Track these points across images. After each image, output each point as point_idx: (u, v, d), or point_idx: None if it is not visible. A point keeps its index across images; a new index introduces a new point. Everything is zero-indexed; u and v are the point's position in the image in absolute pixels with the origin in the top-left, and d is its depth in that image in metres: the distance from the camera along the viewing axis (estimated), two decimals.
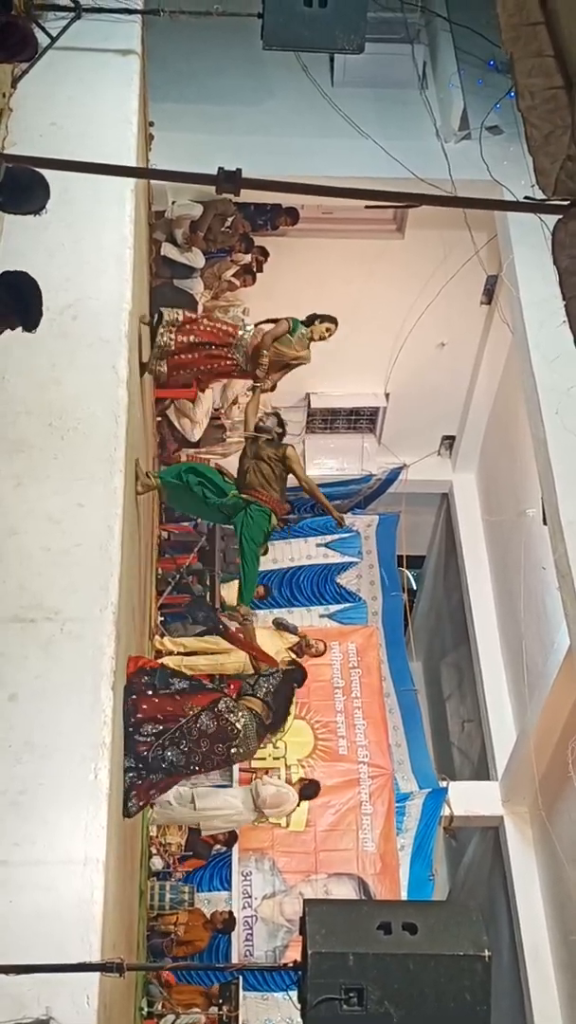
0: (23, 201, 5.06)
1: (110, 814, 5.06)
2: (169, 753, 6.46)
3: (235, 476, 8.20)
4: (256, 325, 8.68)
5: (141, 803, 6.43)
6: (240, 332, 8.56)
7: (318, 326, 8.61)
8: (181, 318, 8.40)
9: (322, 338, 8.71)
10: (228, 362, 8.61)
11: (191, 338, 8.39)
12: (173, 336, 8.27)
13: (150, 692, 6.58)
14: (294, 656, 9.74)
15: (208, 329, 8.53)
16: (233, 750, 6.67)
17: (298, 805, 9.93)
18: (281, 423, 8.40)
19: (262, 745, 7.58)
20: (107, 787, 5.07)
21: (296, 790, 9.64)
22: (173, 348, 8.27)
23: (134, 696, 6.47)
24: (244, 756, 6.88)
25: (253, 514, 7.84)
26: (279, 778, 10.46)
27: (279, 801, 9.45)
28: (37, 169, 5.01)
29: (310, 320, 8.64)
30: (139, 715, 6.43)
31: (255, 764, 10.46)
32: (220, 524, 8.89)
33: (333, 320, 8.69)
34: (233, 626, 9.01)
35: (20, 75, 7.46)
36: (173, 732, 6.47)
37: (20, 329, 4.92)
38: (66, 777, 5.03)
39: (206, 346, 8.48)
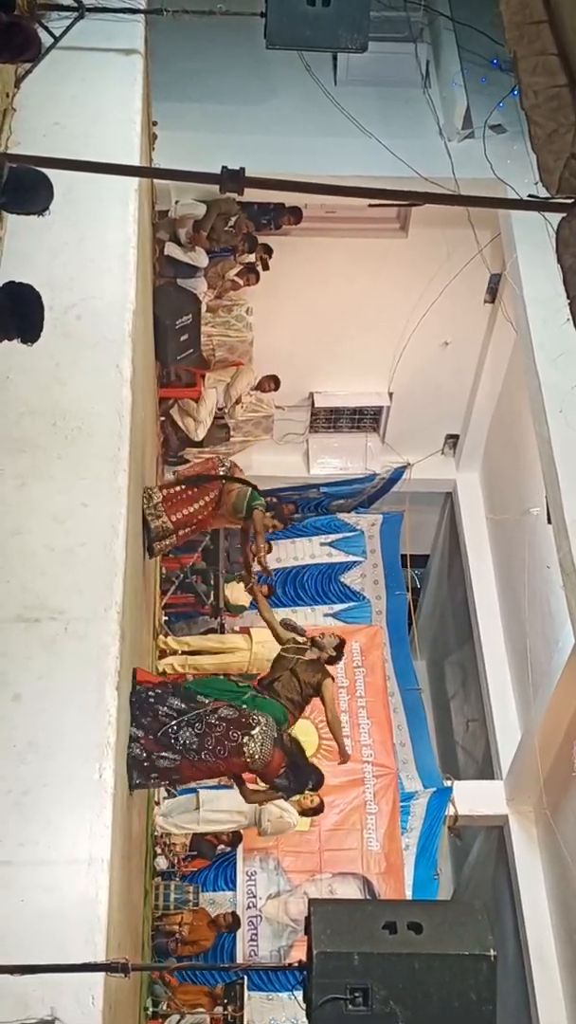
0: (27, 201, 5.06)
1: (115, 814, 5.05)
2: (185, 733, 6.43)
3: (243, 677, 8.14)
4: (233, 464, 8.59)
5: (139, 780, 6.42)
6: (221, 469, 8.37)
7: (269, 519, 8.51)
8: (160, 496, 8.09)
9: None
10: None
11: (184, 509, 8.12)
12: (163, 515, 8.00)
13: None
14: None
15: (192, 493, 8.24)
16: (247, 738, 6.54)
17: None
18: (339, 649, 7.78)
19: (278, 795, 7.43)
20: (111, 787, 5.07)
21: (298, 810, 9.61)
22: (171, 527, 8.02)
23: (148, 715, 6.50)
24: (256, 757, 6.61)
25: (269, 704, 7.24)
26: None
27: (280, 828, 9.44)
28: (41, 169, 5.01)
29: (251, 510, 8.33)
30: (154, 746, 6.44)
31: None
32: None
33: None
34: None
35: (23, 75, 7.45)
36: (193, 714, 6.48)
37: (17, 341, 4.93)
38: (70, 777, 5.03)
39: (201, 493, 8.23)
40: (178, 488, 8.16)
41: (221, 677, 8.57)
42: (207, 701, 6.70)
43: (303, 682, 7.41)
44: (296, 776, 6.90)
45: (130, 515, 6.16)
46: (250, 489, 8.25)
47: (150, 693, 6.46)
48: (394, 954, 3.78)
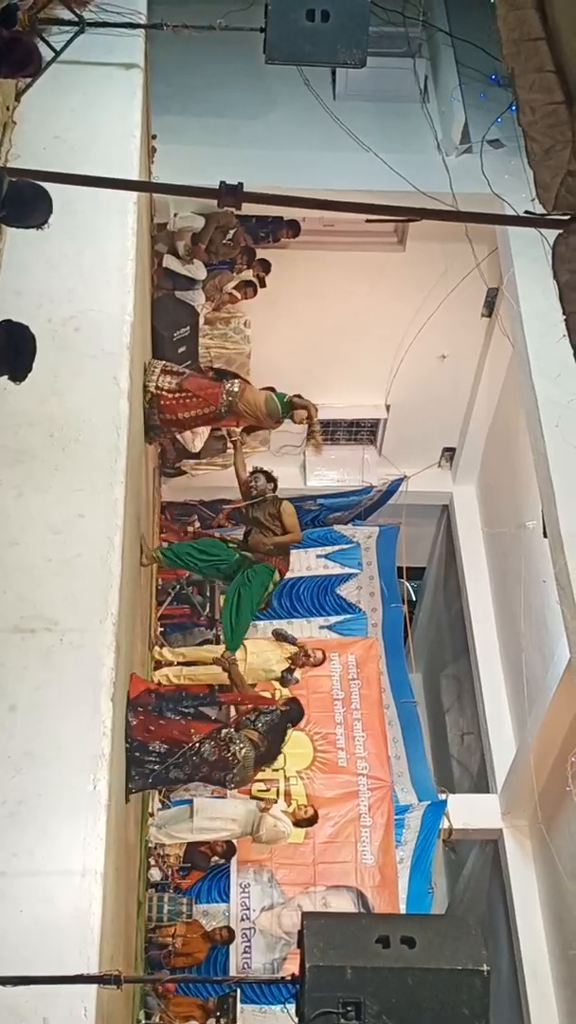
0: (26, 215, 5.09)
1: (109, 825, 5.05)
2: (173, 773, 6.75)
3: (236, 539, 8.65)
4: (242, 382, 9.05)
5: (136, 789, 6.62)
6: (225, 395, 8.88)
7: (298, 412, 9.08)
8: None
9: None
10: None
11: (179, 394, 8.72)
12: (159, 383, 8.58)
13: (156, 713, 6.75)
14: (292, 663, 9.74)
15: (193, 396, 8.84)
16: (229, 776, 6.97)
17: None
18: (270, 478, 8.76)
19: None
20: (106, 798, 5.07)
21: (292, 821, 9.61)
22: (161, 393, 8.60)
23: (140, 714, 6.58)
24: (240, 784, 7.19)
25: (257, 570, 8.17)
26: (278, 793, 10.43)
27: (274, 837, 9.42)
28: (40, 183, 5.04)
29: (291, 403, 9.05)
30: (146, 735, 6.60)
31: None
32: (221, 580, 9.26)
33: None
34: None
35: (24, 88, 7.49)
36: (177, 757, 6.69)
37: (6, 378, 4.99)
38: (65, 788, 5.03)
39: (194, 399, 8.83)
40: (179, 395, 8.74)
41: (212, 538, 9.16)
42: (190, 711, 6.90)
43: (269, 518, 8.39)
44: (276, 739, 7.38)
45: (126, 526, 6.17)
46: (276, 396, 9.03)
47: (133, 742, 6.59)
48: (387, 968, 3.77)
